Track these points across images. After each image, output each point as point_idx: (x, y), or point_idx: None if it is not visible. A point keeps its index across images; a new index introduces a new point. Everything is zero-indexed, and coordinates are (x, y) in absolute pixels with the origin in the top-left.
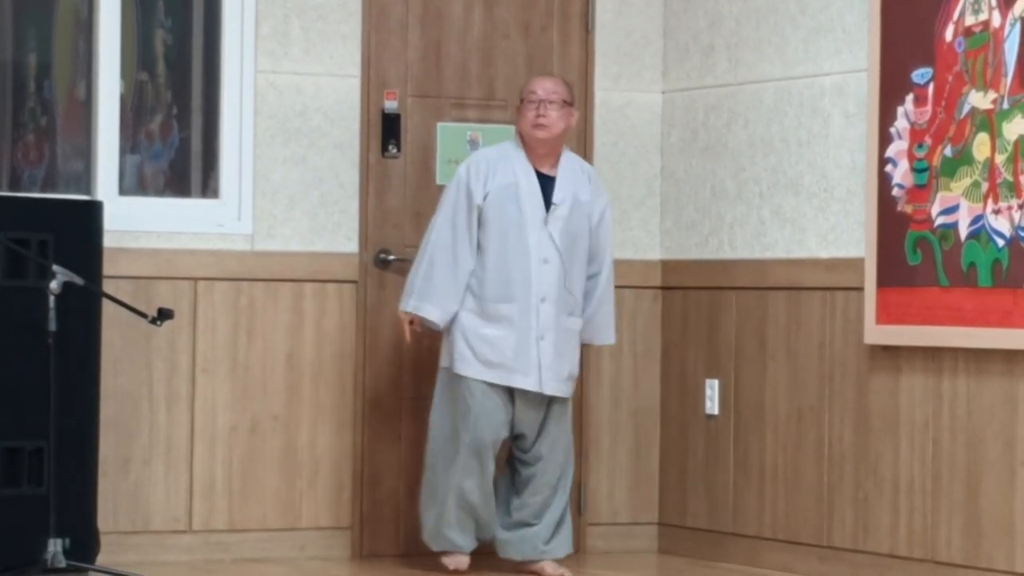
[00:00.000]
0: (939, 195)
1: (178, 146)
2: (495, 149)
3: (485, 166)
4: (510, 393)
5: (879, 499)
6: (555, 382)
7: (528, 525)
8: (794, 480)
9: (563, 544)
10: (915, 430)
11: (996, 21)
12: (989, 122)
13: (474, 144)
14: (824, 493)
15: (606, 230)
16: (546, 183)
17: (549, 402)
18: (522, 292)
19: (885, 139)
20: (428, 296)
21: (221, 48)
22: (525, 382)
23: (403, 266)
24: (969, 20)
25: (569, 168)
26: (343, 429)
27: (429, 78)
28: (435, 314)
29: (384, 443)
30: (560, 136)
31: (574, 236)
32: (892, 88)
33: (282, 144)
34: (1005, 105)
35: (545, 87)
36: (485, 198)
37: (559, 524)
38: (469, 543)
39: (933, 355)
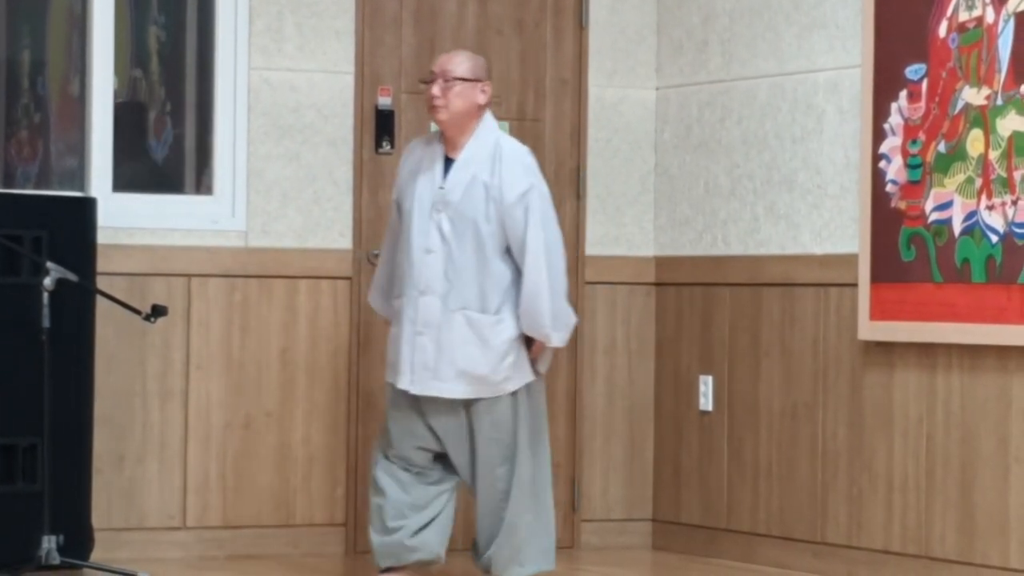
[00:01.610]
0: (933, 191)
1: (172, 143)
2: (426, 136)
3: (406, 155)
4: (416, 397)
5: (873, 495)
6: (435, 381)
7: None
8: (788, 476)
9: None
10: (909, 426)
11: (990, 17)
12: (983, 118)
13: None
14: (818, 489)
15: (522, 214)
16: (449, 168)
17: (468, 407)
18: (408, 285)
19: (879, 135)
20: (371, 292)
21: (215, 45)
22: (401, 380)
23: None
24: (963, 16)
25: (477, 148)
26: (337, 426)
27: (423, 74)
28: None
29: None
30: (464, 116)
31: (470, 222)
32: (886, 84)
33: (276, 141)
34: (999, 101)
35: (442, 65)
36: (399, 189)
37: (513, 548)
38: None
39: (927, 351)
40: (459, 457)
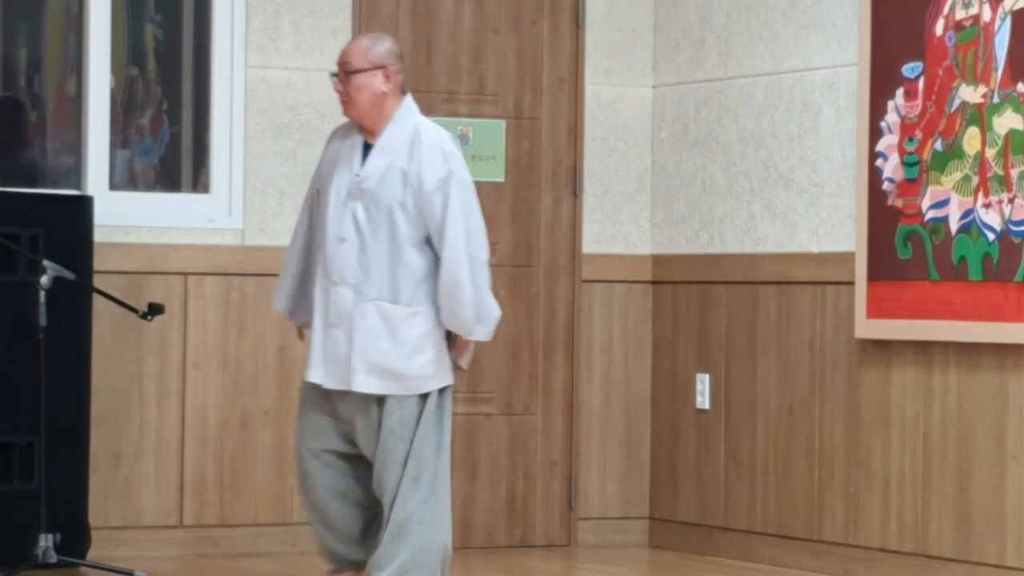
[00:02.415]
0: (929, 189)
1: (168, 141)
2: (350, 122)
3: (328, 142)
4: (329, 394)
5: (870, 493)
6: (347, 375)
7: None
8: (785, 474)
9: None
10: (906, 424)
11: (987, 15)
12: (979, 116)
13: (464, 139)
14: (815, 487)
15: (441, 202)
16: (368, 155)
17: (381, 404)
18: (321, 276)
19: (875, 133)
20: (274, 295)
21: (211, 43)
22: (313, 374)
23: None
24: (959, 14)
25: (395, 135)
26: None
27: (419, 73)
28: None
29: None
30: (371, 107)
31: (385, 211)
32: (882, 82)
33: (272, 139)
34: (995, 99)
35: (342, 58)
36: (319, 177)
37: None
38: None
39: (924, 349)
40: (370, 453)
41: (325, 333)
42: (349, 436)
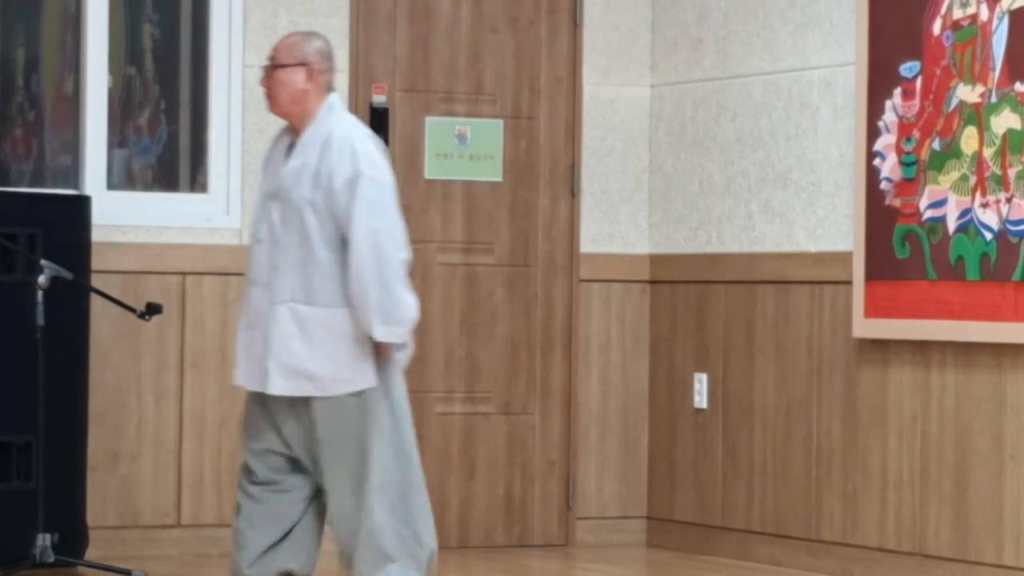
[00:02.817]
0: (927, 189)
1: (166, 141)
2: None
3: (269, 144)
4: (264, 395)
5: (868, 493)
6: (263, 376)
7: None
8: (783, 474)
9: None
10: (903, 424)
11: (984, 15)
12: (977, 116)
13: (462, 138)
14: (813, 487)
15: (349, 201)
16: (290, 155)
17: (310, 408)
18: (246, 277)
19: (873, 133)
20: None
21: (209, 42)
22: (236, 375)
23: None
24: (957, 14)
25: (314, 134)
26: None
27: (417, 72)
28: None
29: None
30: (292, 103)
31: (296, 211)
32: (880, 82)
33: (270, 139)
34: (993, 99)
35: (270, 53)
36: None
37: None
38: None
39: (921, 349)
40: (307, 460)
41: (246, 334)
42: (283, 437)
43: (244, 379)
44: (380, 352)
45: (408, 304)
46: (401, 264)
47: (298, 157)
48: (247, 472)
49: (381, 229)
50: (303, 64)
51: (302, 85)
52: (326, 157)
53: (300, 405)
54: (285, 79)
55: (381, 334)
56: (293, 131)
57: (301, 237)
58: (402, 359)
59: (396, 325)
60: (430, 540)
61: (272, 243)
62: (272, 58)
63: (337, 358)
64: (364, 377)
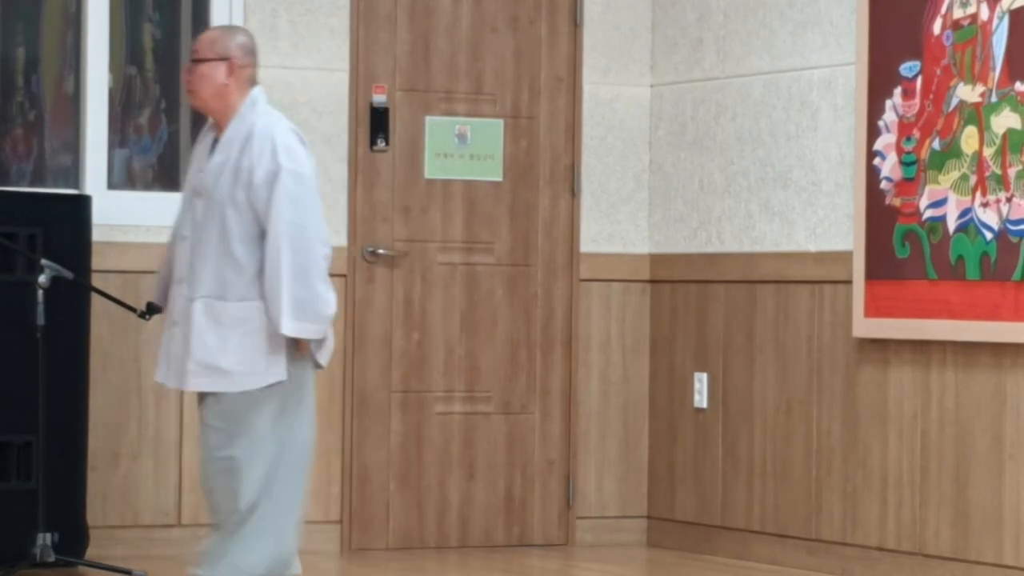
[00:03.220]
0: (927, 188)
1: (166, 140)
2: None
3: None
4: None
5: (867, 492)
6: (180, 373)
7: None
8: (783, 473)
9: None
10: (903, 423)
11: (984, 14)
12: (977, 115)
13: (462, 138)
14: (812, 486)
15: (267, 196)
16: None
17: (221, 399)
18: (172, 276)
19: (873, 132)
20: None
21: None
22: (158, 373)
23: (392, 260)
24: (957, 13)
25: (237, 130)
26: (332, 423)
27: (417, 72)
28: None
29: (372, 437)
30: (214, 98)
31: (218, 207)
32: (880, 81)
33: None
34: (993, 98)
35: (193, 47)
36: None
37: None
38: None
39: (921, 348)
40: None
41: (168, 331)
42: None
43: (163, 376)
44: (298, 348)
45: (325, 300)
46: (321, 259)
47: (220, 153)
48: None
49: (300, 223)
50: (224, 59)
51: (223, 80)
52: (247, 152)
53: (212, 398)
54: (206, 73)
55: (290, 329)
56: (217, 127)
57: (220, 233)
58: (323, 356)
59: (311, 321)
60: (287, 546)
61: (195, 240)
62: (194, 52)
63: (247, 352)
64: (274, 371)
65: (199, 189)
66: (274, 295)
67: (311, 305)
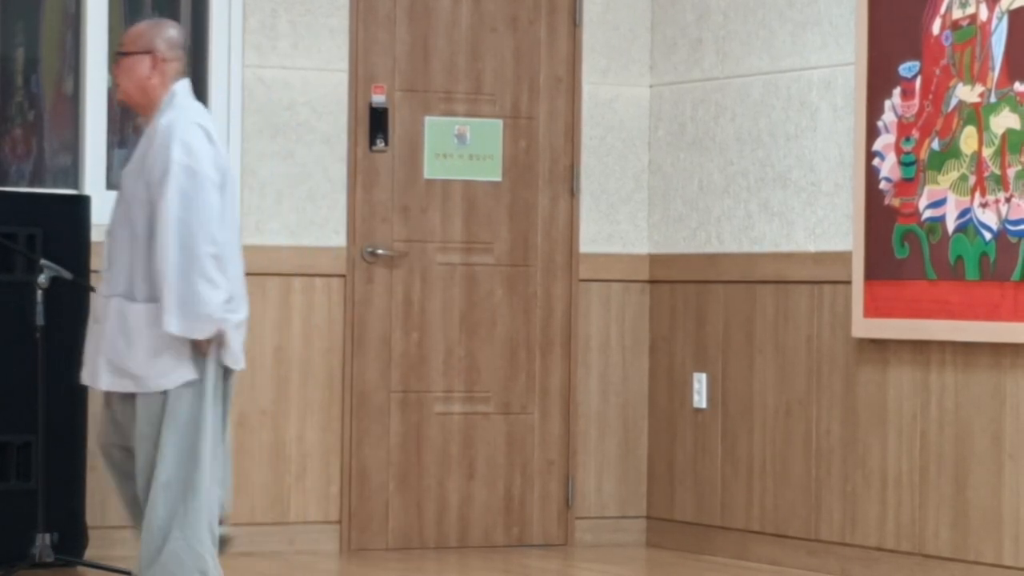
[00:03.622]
0: (926, 188)
1: None
2: None
3: None
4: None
5: (867, 492)
6: (94, 371)
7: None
8: (782, 474)
9: None
10: (903, 423)
11: (983, 15)
12: (976, 115)
13: (462, 138)
14: (812, 486)
15: (160, 189)
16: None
17: (134, 403)
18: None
19: (872, 133)
20: None
21: (209, 42)
22: (82, 373)
23: (391, 260)
24: (956, 14)
25: (152, 125)
26: (331, 423)
27: (417, 72)
28: None
29: (372, 437)
30: (138, 93)
31: (128, 204)
32: (879, 82)
33: (270, 138)
34: (992, 99)
35: (120, 40)
36: None
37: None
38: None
39: (921, 348)
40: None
41: (90, 329)
42: (123, 431)
43: (85, 376)
44: (199, 349)
45: (210, 301)
46: (206, 258)
47: (139, 149)
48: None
49: (189, 219)
50: (148, 52)
51: (146, 73)
52: (151, 147)
53: (128, 399)
54: (130, 67)
55: (176, 328)
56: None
57: (131, 231)
58: (229, 358)
59: (195, 320)
60: (204, 551)
61: (112, 238)
62: (120, 45)
63: (153, 353)
64: (181, 373)
65: (121, 186)
66: (163, 292)
67: (191, 304)
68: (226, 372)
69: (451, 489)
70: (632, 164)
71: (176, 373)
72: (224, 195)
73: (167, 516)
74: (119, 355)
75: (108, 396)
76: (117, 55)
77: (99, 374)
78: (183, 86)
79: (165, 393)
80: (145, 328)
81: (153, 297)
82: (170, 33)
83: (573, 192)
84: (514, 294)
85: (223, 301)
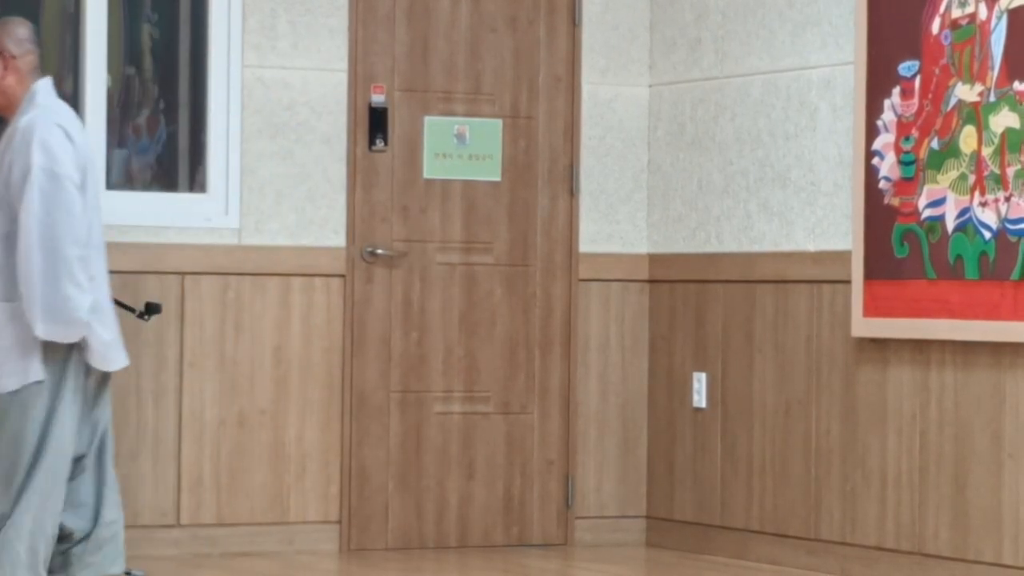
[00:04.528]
0: (926, 188)
1: (165, 140)
2: None
3: None
4: None
5: (867, 492)
6: None
7: None
8: (782, 473)
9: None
10: (903, 423)
11: (983, 14)
12: (976, 115)
13: (461, 138)
14: (812, 486)
15: (21, 193)
16: None
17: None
18: None
19: (872, 132)
20: None
21: (208, 42)
22: None
23: (391, 260)
24: (956, 13)
25: (12, 125)
26: (331, 423)
27: (416, 72)
28: None
29: (371, 437)
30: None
31: None
32: (879, 81)
33: (269, 138)
34: (992, 98)
35: None
36: None
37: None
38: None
39: (920, 348)
40: None
41: None
42: None
43: None
44: (58, 348)
45: (75, 303)
46: (72, 260)
47: (1, 153)
48: None
49: (51, 223)
50: (4, 54)
51: (19, 74)
52: (9, 148)
53: None
54: None
55: (42, 331)
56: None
57: (2, 233)
58: (95, 359)
59: (61, 323)
60: (30, 548)
61: None
62: None
63: (5, 353)
64: (31, 372)
65: None
66: (27, 296)
67: (59, 308)
68: (103, 375)
69: (451, 489)
70: (631, 164)
71: (25, 373)
72: (86, 193)
73: (30, 523)
74: None
75: None
76: None
77: None
78: (44, 84)
79: (24, 391)
80: (5, 327)
81: (9, 297)
82: (18, 31)
83: (572, 192)
84: (513, 294)
85: (90, 303)
